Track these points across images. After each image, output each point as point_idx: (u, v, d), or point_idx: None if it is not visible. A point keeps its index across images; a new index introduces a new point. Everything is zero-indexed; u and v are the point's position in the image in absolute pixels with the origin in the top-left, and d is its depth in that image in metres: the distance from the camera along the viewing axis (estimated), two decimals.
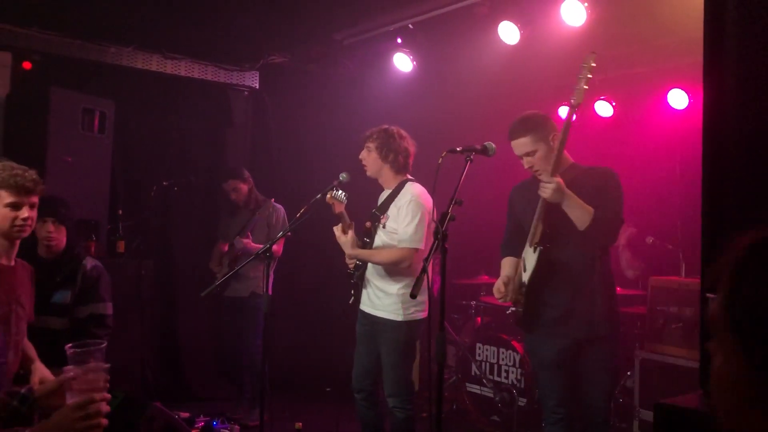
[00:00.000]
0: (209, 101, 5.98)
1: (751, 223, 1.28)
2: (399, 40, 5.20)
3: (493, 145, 2.88)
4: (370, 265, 3.62)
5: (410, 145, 3.65)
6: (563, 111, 5.44)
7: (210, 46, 5.52)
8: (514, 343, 4.75)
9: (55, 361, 1.80)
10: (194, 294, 4.10)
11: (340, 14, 5.01)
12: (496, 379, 4.84)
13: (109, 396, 1.68)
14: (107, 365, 1.69)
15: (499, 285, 3.10)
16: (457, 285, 5.46)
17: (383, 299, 3.54)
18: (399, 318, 3.48)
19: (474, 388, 5.04)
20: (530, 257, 2.97)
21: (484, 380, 4.93)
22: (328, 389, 5.75)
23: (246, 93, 6.10)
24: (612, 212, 2.86)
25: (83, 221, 4.35)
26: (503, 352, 4.83)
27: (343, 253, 3.63)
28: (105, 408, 1.65)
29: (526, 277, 3.01)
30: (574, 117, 2.86)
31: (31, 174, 2.69)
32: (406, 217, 3.46)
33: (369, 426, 3.67)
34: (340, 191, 3.54)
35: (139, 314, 4.74)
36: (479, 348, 5.03)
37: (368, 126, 3.75)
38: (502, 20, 4.47)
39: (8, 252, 2.69)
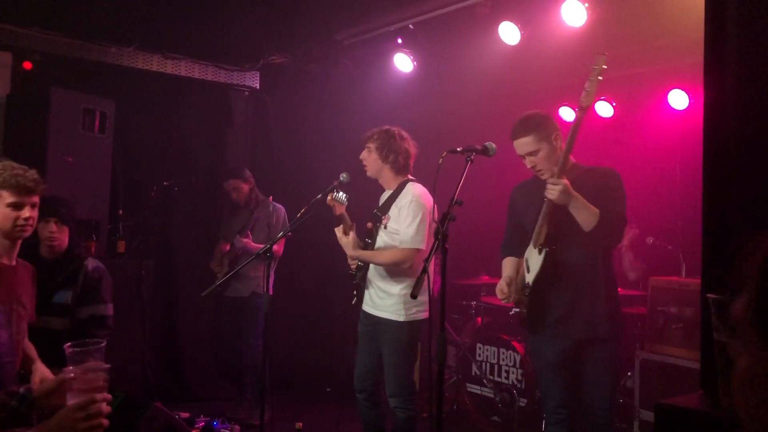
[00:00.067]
0: (210, 101, 5.98)
1: (752, 223, 1.29)
2: (399, 41, 5.20)
3: (494, 146, 2.88)
4: (372, 265, 3.62)
5: (411, 147, 3.65)
6: (564, 111, 5.44)
7: (210, 46, 5.52)
8: (515, 344, 4.74)
9: (55, 362, 1.80)
10: (194, 294, 4.10)
11: (340, 14, 5.01)
12: (497, 379, 4.84)
13: (109, 396, 1.68)
14: (107, 366, 1.69)
15: (502, 286, 3.10)
16: (457, 285, 5.46)
17: (385, 300, 3.54)
18: (401, 318, 3.48)
19: (474, 389, 5.04)
20: (534, 258, 2.96)
21: (485, 380, 4.93)
22: (328, 389, 5.76)
23: (246, 93, 6.10)
24: (616, 213, 2.86)
25: (83, 221, 4.35)
26: (504, 353, 4.83)
27: (344, 253, 3.64)
28: (106, 408, 1.65)
29: (530, 278, 3.00)
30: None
31: (32, 174, 2.69)
32: (407, 217, 3.46)
33: (370, 426, 3.67)
34: (341, 193, 3.54)
35: (139, 314, 4.74)
36: (479, 348, 5.03)
37: (368, 126, 3.75)
38: (502, 20, 4.47)
39: (9, 252, 2.69)
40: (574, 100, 5.56)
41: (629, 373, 4.34)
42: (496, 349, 4.90)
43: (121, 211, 4.96)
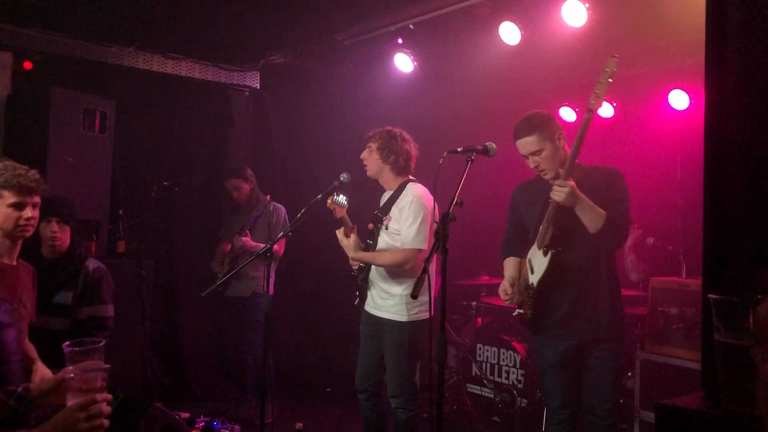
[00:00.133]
0: (210, 101, 5.98)
1: (753, 224, 1.28)
2: (400, 41, 5.20)
3: (494, 146, 2.88)
4: (373, 266, 3.62)
5: (412, 148, 3.65)
6: (564, 111, 5.44)
7: (211, 46, 5.52)
8: (515, 344, 4.75)
9: (55, 362, 1.79)
10: (195, 294, 4.10)
11: (341, 14, 5.01)
12: (497, 379, 4.84)
13: (110, 396, 1.68)
14: (107, 366, 1.68)
15: (505, 286, 3.09)
16: (457, 285, 5.47)
17: (387, 300, 3.54)
18: (403, 319, 3.49)
19: (474, 389, 5.04)
20: (539, 260, 2.96)
21: (485, 381, 4.93)
22: (328, 389, 5.76)
23: (247, 93, 6.10)
24: (621, 214, 2.86)
25: (84, 221, 4.35)
26: (504, 353, 4.83)
27: (345, 253, 3.64)
28: (106, 409, 1.65)
29: (534, 279, 3.00)
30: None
31: (34, 174, 2.70)
32: (407, 218, 3.46)
33: (371, 426, 3.67)
34: (341, 196, 3.53)
35: (139, 314, 4.73)
36: (480, 349, 5.03)
37: (369, 126, 3.75)
38: (503, 21, 4.47)
39: (10, 252, 2.69)
40: (575, 101, 5.62)
41: (629, 374, 4.35)
42: (496, 349, 4.90)
43: (121, 211, 4.96)
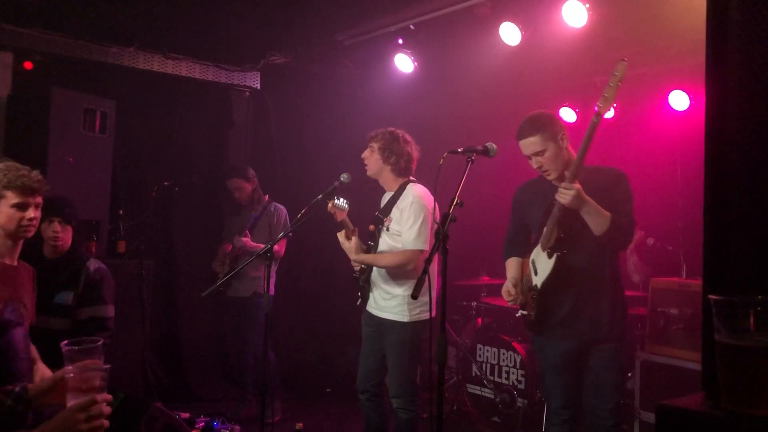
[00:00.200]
0: (210, 101, 5.98)
1: (754, 224, 1.28)
2: (400, 41, 5.20)
3: (495, 146, 2.87)
4: (375, 268, 3.62)
5: (414, 151, 3.66)
6: (564, 112, 5.44)
7: (211, 46, 5.52)
8: (515, 345, 4.75)
9: (56, 362, 1.79)
10: (195, 294, 4.10)
11: (341, 15, 5.01)
12: (497, 380, 4.84)
13: (110, 397, 1.68)
14: (107, 366, 1.68)
15: (508, 287, 3.09)
16: (458, 286, 5.47)
17: (389, 301, 3.54)
18: (405, 319, 3.49)
19: (475, 389, 5.04)
20: (543, 262, 2.95)
21: (485, 381, 4.93)
22: (328, 390, 5.76)
23: (247, 93, 6.10)
24: (626, 216, 2.85)
25: (84, 221, 4.35)
26: (504, 353, 4.83)
27: (346, 254, 3.64)
28: (106, 409, 1.65)
29: (537, 281, 2.99)
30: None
31: (37, 174, 2.70)
32: (408, 219, 3.47)
33: (372, 426, 3.68)
34: (341, 200, 3.53)
35: (139, 314, 4.74)
36: (480, 349, 5.03)
37: (369, 126, 3.75)
38: (503, 21, 4.47)
39: (12, 252, 2.70)
40: (575, 101, 5.62)
41: (630, 374, 4.34)
42: (496, 349, 4.90)
43: (121, 211, 4.96)
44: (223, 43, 5.51)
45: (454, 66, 5.32)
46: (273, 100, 6.12)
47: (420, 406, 3.56)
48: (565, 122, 5.23)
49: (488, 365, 4.94)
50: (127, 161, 5.39)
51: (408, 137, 3.65)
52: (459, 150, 2.86)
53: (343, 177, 3.58)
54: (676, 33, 4.18)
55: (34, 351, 2.85)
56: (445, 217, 2.58)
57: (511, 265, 3.21)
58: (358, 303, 3.78)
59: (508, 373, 4.78)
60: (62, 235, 3.50)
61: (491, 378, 4.88)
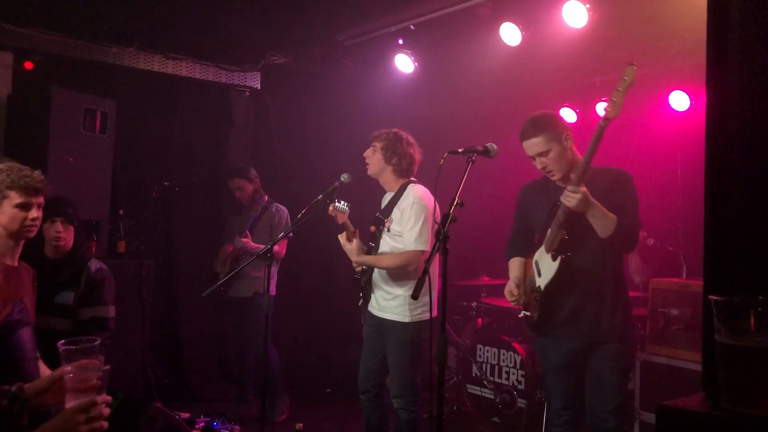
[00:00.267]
0: (210, 102, 5.99)
1: (755, 225, 1.28)
2: (400, 41, 5.21)
3: (495, 146, 2.87)
4: (376, 268, 3.62)
5: (416, 153, 3.66)
6: (565, 112, 5.44)
7: (211, 46, 5.53)
8: (515, 345, 4.74)
9: (56, 363, 1.79)
10: (195, 294, 4.11)
11: (341, 15, 5.01)
12: (497, 380, 4.84)
13: (109, 398, 1.67)
14: (106, 367, 1.67)
15: (511, 288, 3.08)
16: (458, 286, 5.47)
17: (390, 301, 3.55)
18: (406, 319, 3.49)
19: (475, 390, 5.04)
20: (547, 264, 2.94)
21: (485, 381, 4.93)
22: (328, 390, 5.76)
23: (247, 93, 6.10)
24: (631, 218, 2.83)
25: (84, 221, 4.35)
26: (504, 354, 4.83)
27: (346, 255, 3.64)
28: (105, 411, 1.65)
29: (541, 282, 2.98)
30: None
31: (39, 175, 2.71)
32: (409, 220, 3.47)
33: (373, 427, 3.68)
34: (342, 202, 3.53)
35: (139, 314, 4.74)
36: (480, 349, 5.03)
37: (369, 127, 3.75)
38: (503, 21, 4.47)
39: (13, 252, 2.70)
40: (575, 101, 5.61)
41: (630, 375, 4.34)
42: (496, 350, 4.90)
43: (121, 211, 4.96)
44: (223, 43, 5.51)
45: (454, 66, 5.32)
46: (273, 100, 6.12)
47: (421, 406, 3.56)
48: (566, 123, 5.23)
49: (488, 365, 4.94)
50: (127, 161, 5.39)
51: (411, 139, 3.66)
52: (459, 150, 2.85)
53: (344, 177, 3.58)
54: (676, 33, 4.18)
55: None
56: (445, 217, 2.58)
57: (514, 265, 3.20)
58: (359, 303, 3.78)
59: (508, 373, 4.78)
60: (64, 235, 3.50)
61: (491, 378, 4.88)
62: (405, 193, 3.58)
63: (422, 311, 3.48)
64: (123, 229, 4.89)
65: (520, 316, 3.20)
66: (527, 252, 3.14)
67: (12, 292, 2.59)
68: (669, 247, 4.57)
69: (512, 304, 3.12)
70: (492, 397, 4.85)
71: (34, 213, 2.67)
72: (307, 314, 6.17)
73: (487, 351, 4.97)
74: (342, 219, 3.56)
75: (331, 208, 3.53)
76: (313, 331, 6.20)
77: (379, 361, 3.63)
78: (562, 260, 2.86)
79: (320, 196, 3.56)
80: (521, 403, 4.63)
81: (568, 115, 5.42)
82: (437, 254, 2.66)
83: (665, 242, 4.62)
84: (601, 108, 5.24)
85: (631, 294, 4.54)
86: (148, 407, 2.98)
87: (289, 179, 5.97)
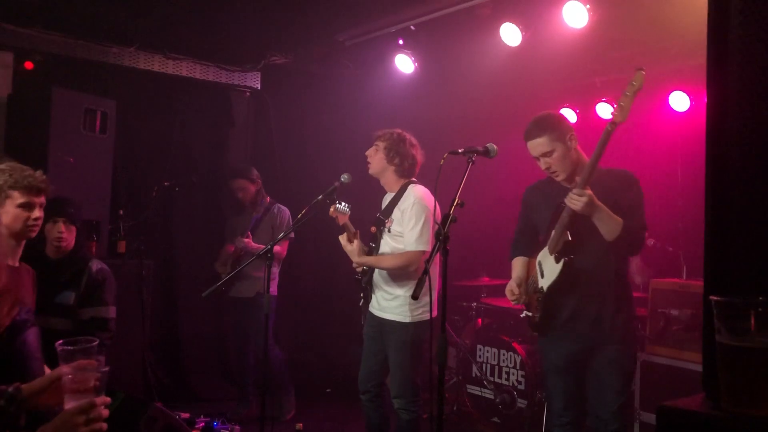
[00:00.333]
0: (211, 102, 5.99)
1: (755, 225, 1.28)
2: (401, 42, 5.20)
3: (495, 147, 2.86)
4: (377, 269, 3.62)
5: (418, 154, 3.67)
6: (565, 113, 5.44)
7: (212, 46, 5.53)
8: (515, 345, 4.74)
9: (57, 363, 1.78)
10: (195, 294, 4.10)
11: (342, 15, 5.01)
12: (497, 380, 4.84)
13: (108, 399, 1.67)
14: (105, 368, 1.66)
15: (512, 287, 3.07)
16: (458, 286, 5.47)
17: (391, 302, 3.55)
18: (406, 320, 3.49)
19: (475, 390, 5.04)
20: (550, 265, 2.93)
21: (485, 382, 4.93)
22: (328, 390, 5.76)
23: (247, 94, 6.11)
24: (638, 221, 2.81)
25: (84, 221, 4.35)
26: (504, 354, 4.83)
27: (346, 255, 3.64)
28: (104, 412, 1.64)
29: (544, 283, 2.98)
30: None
31: (41, 174, 2.72)
32: (410, 220, 3.47)
33: (374, 427, 3.68)
34: (343, 204, 3.53)
35: (140, 314, 4.74)
36: (480, 349, 5.03)
37: (369, 127, 3.76)
38: (504, 22, 4.47)
39: (14, 253, 2.70)
40: (576, 102, 5.61)
41: (632, 377, 4.34)
42: (496, 350, 4.90)
43: (121, 212, 4.96)
44: (223, 44, 5.52)
45: (454, 66, 5.32)
46: (273, 101, 6.12)
47: (421, 406, 3.56)
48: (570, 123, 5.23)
49: (488, 366, 4.94)
50: (127, 161, 5.39)
51: (414, 141, 3.67)
52: (459, 151, 2.85)
53: (344, 177, 3.58)
54: (677, 34, 4.18)
55: None
56: (445, 217, 2.57)
57: (517, 264, 3.20)
58: (360, 304, 3.79)
59: (508, 373, 4.77)
60: (66, 235, 3.50)
61: (491, 379, 4.88)
62: (405, 193, 3.59)
63: (423, 311, 3.48)
64: (123, 229, 4.89)
65: (521, 316, 3.19)
66: (531, 252, 3.14)
67: (17, 293, 2.59)
68: (669, 248, 4.57)
69: (512, 303, 3.12)
70: (492, 397, 4.85)
71: (37, 213, 2.68)
72: (307, 314, 6.17)
73: (487, 351, 4.96)
74: (343, 220, 3.56)
75: (332, 209, 3.53)
76: (314, 331, 6.20)
77: (380, 361, 3.63)
78: (565, 263, 2.85)
79: (320, 197, 3.56)
80: (521, 403, 4.63)
81: (569, 115, 5.41)
82: (437, 254, 2.66)
83: (665, 243, 4.62)
84: (601, 108, 5.24)
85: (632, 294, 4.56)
86: (148, 407, 2.98)
87: (289, 179, 5.98)
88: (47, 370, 2.73)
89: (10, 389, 1.81)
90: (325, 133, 6.10)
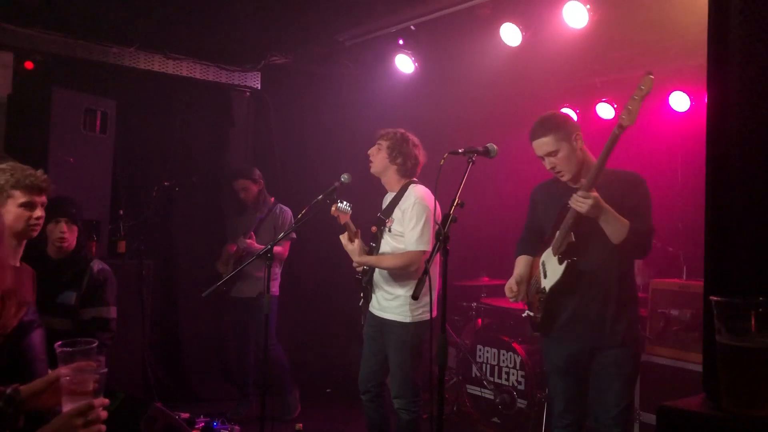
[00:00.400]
0: (211, 102, 5.99)
1: (755, 225, 1.28)
2: (401, 42, 5.20)
3: (495, 147, 2.86)
4: (377, 269, 3.62)
5: (421, 155, 3.68)
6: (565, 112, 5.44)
7: (212, 46, 5.53)
8: (515, 345, 4.74)
9: (57, 364, 1.78)
10: (195, 294, 4.10)
11: (342, 15, 5.01)
12: (497, 380, 4.84)
13: (106, 401, 1.66)
14: (104, 370, 1.66)
15: (511, 284, 3.06)
16: (458, 287, 5.47)
17: (391, 302, 3.55)
18: (407, 320, 3.49)
19: (474, 390, 5.04)
20: (553, 266, 2.92)
21: (485, 382, 4.93)
22: (328, 390, 5.76)
23: (247, 93, 6.10)
24: (645, 223, 2.78)
25: (84, 221, 4.35)
26: (504, 354, 4.83)
27: (347, 255, 3.64)
28: (103, 414, 1.64)
29: (546, 284, 2.97)
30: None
31: (42, 174, 2.72)
32: (411, 220, 3.47)
33: (374, 427, 3.69)
34: (345, 203, 3.53)
35: (139, 314, 4.74)
36: (480, 350, 5.03)
37: (369, 127, 3.76)
38: (504, 22, 4.46)
39: (15, 253, 2.70)
40: (576, 102, 5.61)
41: (635, 381, 4.34)
42: (496, 350, 4.90)
43: (121, 211, 4.97)
44: (223, 44, 5.51)
45: (454, 67, 5.32)
46: (273, 101, 6.12)
47: (421, 406, 3.56)
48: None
49: (488, 366, 4.94)
50: (127, 161, 5.39)
51: (417, 141, 3.68)
52: (459, 151, 2.84)
53: (344, 177, 3.58)
54: (677, 34, 4.17)
55: None
56: (445, 217, 2.57)
57: (520, 262, 3.19)
58: (360, 304, 3.79)
59: (508, 374, 4.77)
60: (68, 235, 3.50)
61: (491, 379, 4.88)
62: (406, 193, 3.59)
63: (423, 311, 3.48)
64: (123, 229, 4.89)
65: (523, 315, 3.18)
66: (535, 251, 3.13)
67: (21, 294, 2.59)
68: (669, 248, 4.57)
69: (511, 301, 3.11)
70: (492, 397, 4.85)
71: (38, 212, 2.68)
72: (307, 314, 6.16)
73: (487, 351, 4.96)
74: (344, 219, 3.56)
75: (333, 208, 3.53)
76: (314, 331, 6.20)
77: (380, 361, 3.63)
78: (568, 264, 2.84)
79: (320, 197, 3.56)
80: (521, 403, 4.63)
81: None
82: (437, 255, 2.66)
83: (665, 243, 4.61)
84: (601, 108, 5.24)
85: None
86: (148, 407, 2.98)
87: (289, 179, 5.97)
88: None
89: (9, 390, 1.81)
90: (325, 133, 6.09)
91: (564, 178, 2.94)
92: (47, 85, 4.55)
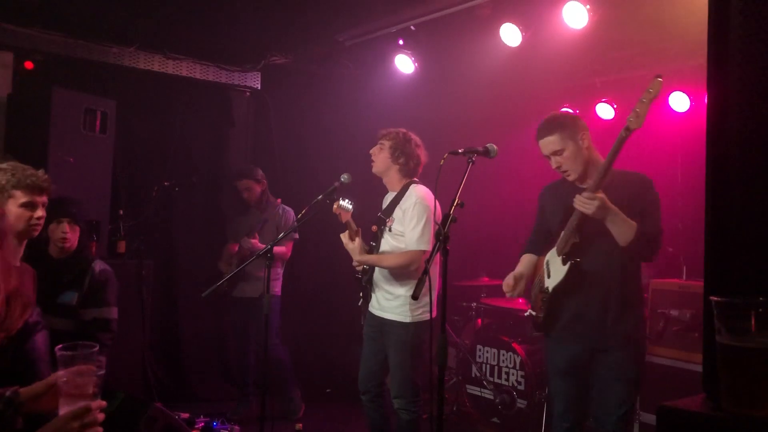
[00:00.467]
0: (211, 102, 5.99)
1: (755, 225, 1.28)
2: (401, 42, 5.20)
3: (495, 147, 2.86)
4: (377, 268, 3.63)
5: (423, 155, 3.69)
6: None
7: (212, 46, 5.53)
8: (515, 346, 4.74)
9: (57, 366, 1.78)
10: (195, 294, 4.10)
11: (342, 15, 5.01)
12: (497, 381, 4.84)
13: (104, 403, 1.66)
14: (101, 373, 1.65)
15: (508, 279, 3.05)
16: (457, 287, 5.47)
17: (391, 301, 3.55)
18: (407, 320, 3.49)
19: (474, 390, 5.04)
20: (557, 266, 2.92)
21: (485, 382, 4.93)
22: (327, 390, 5.76)
23: (247, 94, 6.10)
24: (653, 225, 2.76)
25: (85, 221, 4.35)
26: (504, 354, 4.83)
27: (348, 254, 3.64)
28: (100, 416, 1.63)
29: (549, 284, 2.96)
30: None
31: (43, 174, 2.73)
32: (411, 220, 3.47)
33: (375, 427, 3.69)
34: (347, 201, 3.53)
35: (139, 314, 4.74)
36: (480, 350, 5.03)
37: (369, 127, 3.76)
38: (504, 22, 4.47)
39: (16, 253, 2.70)
40: (576, 102, 5.61)
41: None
42: (496, 350, 4.90)
43: (121, 212, 4.97)
44: (223, 44, 5.51)
45: (454, 67, 5.32)
46: (273, 101, 6.12)
47: (421, 406, 3.56)
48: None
49: (488, 366, 4.94)
50: (127, 161, 5.39)
51: (419, 141, 3.69)
52: (459, 151, 2.84)
53: (344, 177, 3.58)
54: (677, 34, 4.17)
55: None
56: (445, 217, 2.57)
57: (524, 260, 3.19)
58: (359, 303, 3.78)
59: (507, 374, 4.77)
60: (70, 235, 3.50)
61: (491, 379, 4.88)
62: (407, 193, 3.59)
63: (423, 311, 3.48)
64: (123, 229, 4.89)
65: (525, 315, 3.18)
66: (541, 250, 3.12)
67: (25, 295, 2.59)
68: (669, 248, 4.57)
69: (506, 295, 3.09)
70: (492, 397, 4.85)
71: (39, 212, 2.68)
72: (307, 314, 6.16)
73: (487, 351, 4.96)
74: (346, 217, 3.56)
75: (335, 205, 3.52)
76: (314, 331, 6.19)
77: (380, 361, 3.63)
78: (571, 265, 2.83)
79: (320, 197, 3.56)
80: (521, 403, 4.63)
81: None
82: (437, 255, 2.66)
83: (665, 243, 4.60)
84: (601, 108, 5.24)
85: None
86: (148, 407, 2.98)
87: (289, 179, 5.97)
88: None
89: (8, 393, 1.81)
90: (325, 133, 6.09)
91: (570, 178, 2.92)
92: (47, 85, 4.55)
